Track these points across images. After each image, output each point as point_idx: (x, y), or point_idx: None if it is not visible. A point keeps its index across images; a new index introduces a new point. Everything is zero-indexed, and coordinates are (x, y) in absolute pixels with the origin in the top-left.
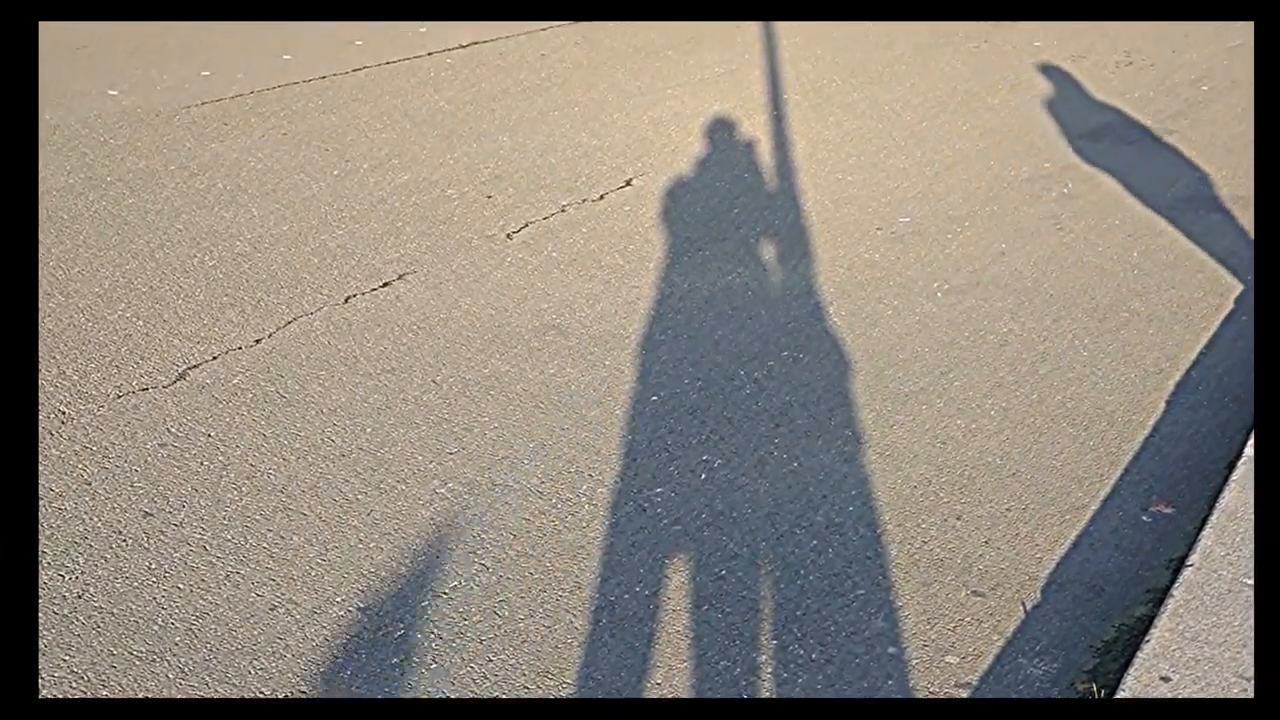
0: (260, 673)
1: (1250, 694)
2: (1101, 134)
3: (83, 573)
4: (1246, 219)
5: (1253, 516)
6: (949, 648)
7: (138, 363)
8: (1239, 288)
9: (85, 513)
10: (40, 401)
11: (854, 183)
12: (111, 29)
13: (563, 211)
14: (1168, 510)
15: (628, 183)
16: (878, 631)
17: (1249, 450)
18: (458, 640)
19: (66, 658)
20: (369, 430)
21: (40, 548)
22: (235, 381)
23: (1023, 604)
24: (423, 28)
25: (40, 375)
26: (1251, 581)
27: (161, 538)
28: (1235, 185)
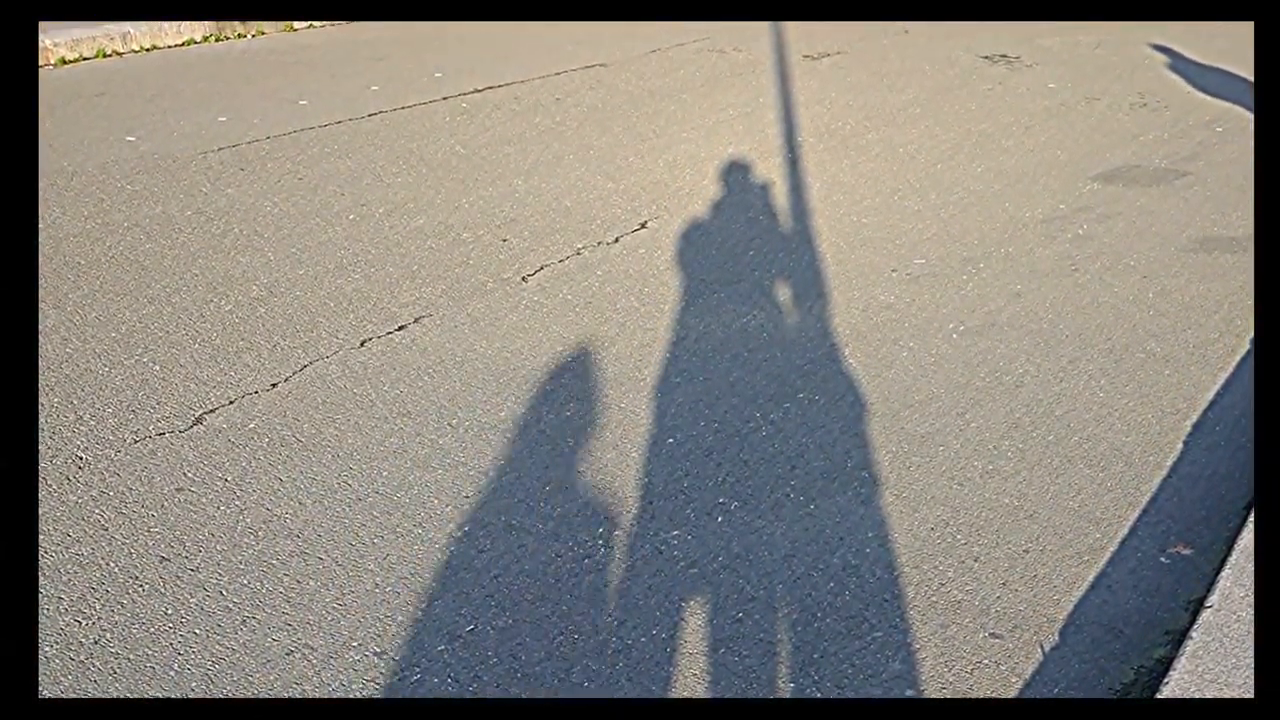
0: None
1: None
2: (1116, 176)
3: (99, 619)
4: None
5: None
6: (967, 690)
7: (154, 407)
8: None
9: (102, 558)
10: (57, 447)
11: (869, 225)
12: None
13: (578, 254)
14: (1186, 551)
15: (643, 225)
16: (895, 674)
17: None
18: (474, 684)
19: None
20: (385, 474)
21: (57, 593)
22: (251, 426)
23: (1041, 646)
24: (437, 73)
25: (57, 420)
26: None
27: (178, 583)
28: (1250, 227)
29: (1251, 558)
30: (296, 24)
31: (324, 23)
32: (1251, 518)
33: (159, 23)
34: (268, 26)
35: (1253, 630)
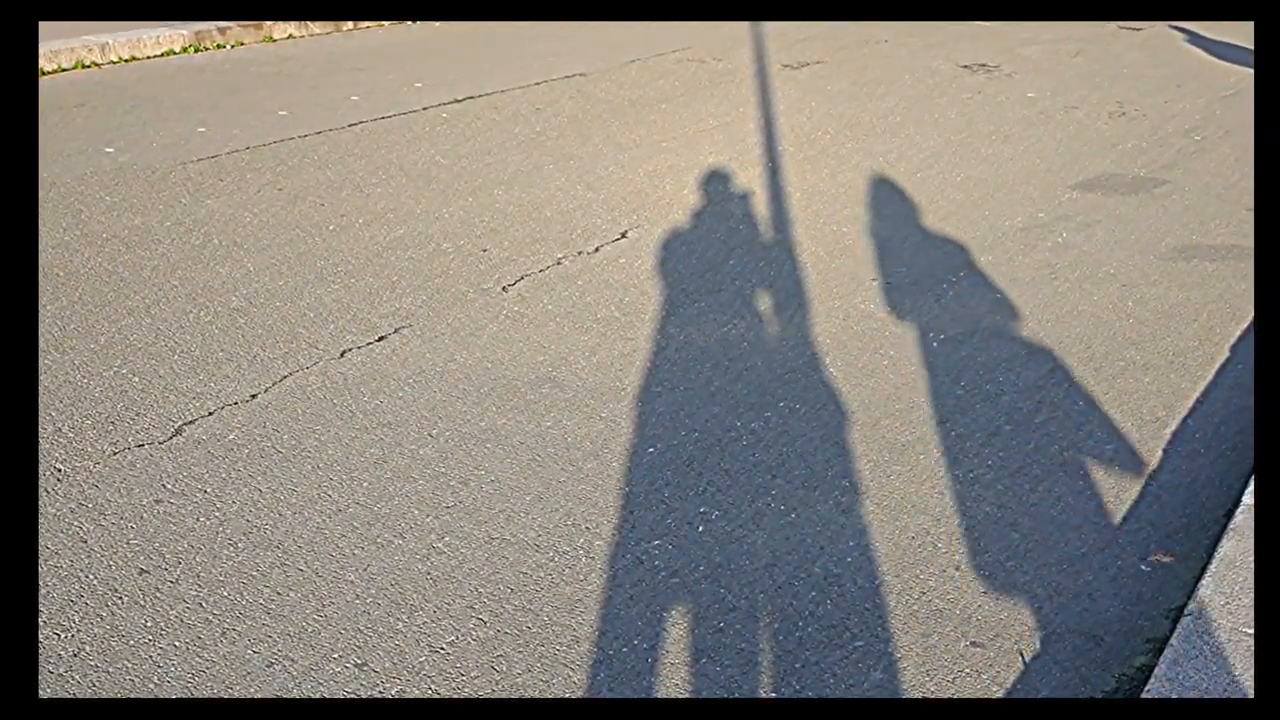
0: None
1: None
2: (1095, 184)
3: (79, 631)
4: (1240, 268)
5: (1252, 564)
6: None
7: (134, 419)
8: (1234, 336)
9: (81, 570)
10: (37, 459)
11: (849, 234)
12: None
13: (558, 264)
14: (1166, 559)
15: (623, 235)
16: (877, 683)
17: (1247, 498)
18: (455, 695)
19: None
20: (365, 485)
21: (36, 606)
22: (231, 437)
23: (1022, 655)
24: (418, 83)
25: (37, 432)
26: (1251, 631)
27: (157, 595)
28: (1228, 235)
29: (1232, 565)
30: (276, 34)
31: (306, 33)
32: (1233, 521)
33: (138, 34)
34: (247, 37)
35: (1233, 636)
